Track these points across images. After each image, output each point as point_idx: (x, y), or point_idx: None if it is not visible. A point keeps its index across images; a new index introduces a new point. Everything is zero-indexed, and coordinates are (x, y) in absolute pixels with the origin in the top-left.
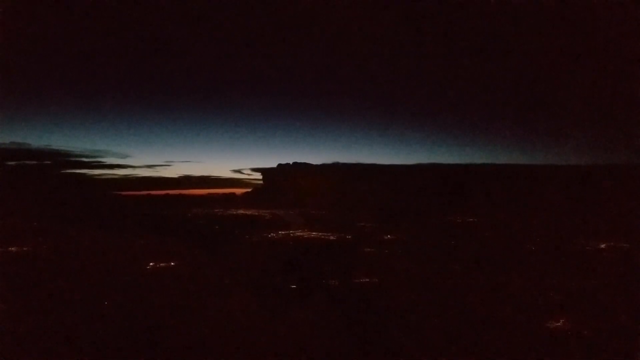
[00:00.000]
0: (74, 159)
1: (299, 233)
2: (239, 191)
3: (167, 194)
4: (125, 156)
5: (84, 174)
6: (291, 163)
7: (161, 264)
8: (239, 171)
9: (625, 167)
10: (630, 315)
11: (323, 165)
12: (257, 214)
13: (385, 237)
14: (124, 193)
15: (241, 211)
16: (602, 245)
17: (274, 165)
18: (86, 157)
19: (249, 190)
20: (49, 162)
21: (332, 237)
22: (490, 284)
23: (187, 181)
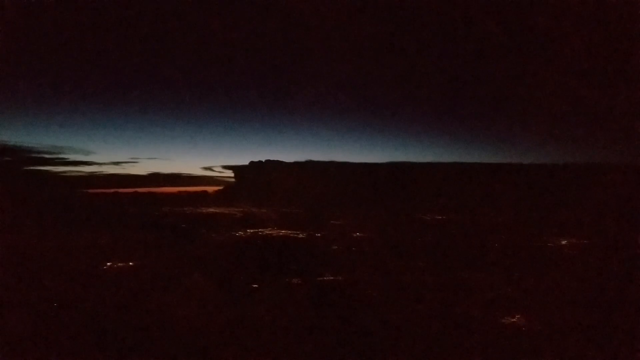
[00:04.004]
0: (35, 155)
1: (268, 231)
2: (211, 189)
3: (136, 192)
4: (89, 152)
5: (47, 171)
6: (263, 160)
7: (119, 264)
8: (209, 168)
9: (589, 165)
10: (585, 311)
11: (296, 163)
12: (227, 212)
13: (355, 235)
14: (90, 191)
15: (211, 209)
16: (563, 242)
17: (246, 162)
18: (48, 153)
19: (221, 188)
20: (9, 158)
21: (301, 235)
22: (452, 281)
23: (156, 179)
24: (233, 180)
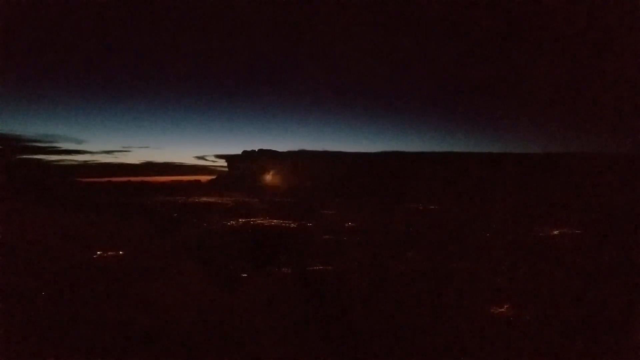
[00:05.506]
0: (27, 143)
1: (259, 221)
2: (204, 178)
3: (129, 181)
4: (81, 141)
5: (39, 160)
6: (256, 150)
7: (109, 253)
8: (202, 158)
9: (581, 155)
10: (575, 301)
11: (289, 153)
12: (219, 201)
13: (346, 225)
14: (82, 180)
15: (204, 199)
16: (555, 232)
17: (239, 152)
18: (40, 142)
19: (214, 177)
20: (0, 147)
21: (293, 225)
22: (442, 271)
23: (149, 168)
24: (226, 169)
